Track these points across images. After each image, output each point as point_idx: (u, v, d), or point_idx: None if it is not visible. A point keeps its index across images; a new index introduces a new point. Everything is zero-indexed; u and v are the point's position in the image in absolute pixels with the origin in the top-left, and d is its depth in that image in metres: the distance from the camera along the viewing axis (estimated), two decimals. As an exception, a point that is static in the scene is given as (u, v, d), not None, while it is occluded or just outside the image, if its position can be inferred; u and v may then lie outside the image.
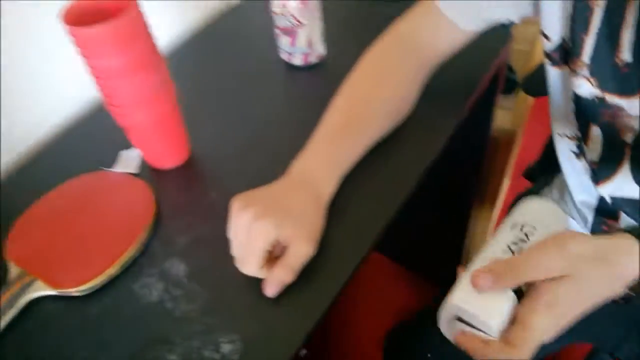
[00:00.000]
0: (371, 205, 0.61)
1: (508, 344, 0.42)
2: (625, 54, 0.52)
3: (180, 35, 0.94)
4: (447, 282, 0.72)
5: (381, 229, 0.59)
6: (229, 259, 0.56)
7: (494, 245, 0.49)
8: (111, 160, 0.69)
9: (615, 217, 0.67)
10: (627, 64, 0.53)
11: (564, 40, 0.59)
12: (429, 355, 0.77)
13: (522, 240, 0.48)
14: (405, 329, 0.83)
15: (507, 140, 1.23)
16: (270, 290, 0.52)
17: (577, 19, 0.55)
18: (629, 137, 0.57)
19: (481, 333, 0.44)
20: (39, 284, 0.56)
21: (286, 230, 0.52)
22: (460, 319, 0.46)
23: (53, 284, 0.56)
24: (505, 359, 0.42)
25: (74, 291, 0.55)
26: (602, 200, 0.65)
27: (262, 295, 0.53)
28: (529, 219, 0.50)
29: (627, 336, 0.68)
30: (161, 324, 0.53)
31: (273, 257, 0.54)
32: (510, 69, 1.22)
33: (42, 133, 0.77)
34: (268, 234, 0.52)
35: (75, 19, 0.53)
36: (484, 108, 0.90)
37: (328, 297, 0.53)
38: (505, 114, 1.21)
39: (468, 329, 0.45)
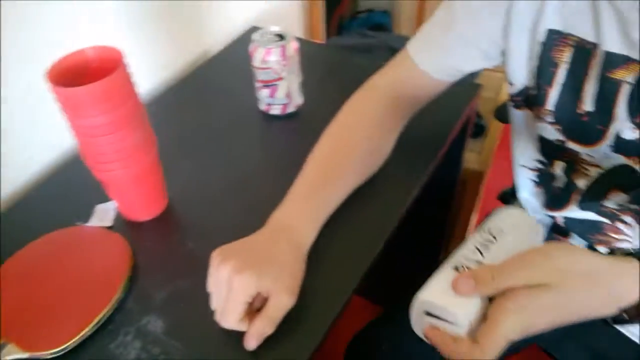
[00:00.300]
0: (350, 252, 0.62)
1: (475, 342, 0.42)
2: (587, 104, 0.57)
3: (160, 83, 0.95)
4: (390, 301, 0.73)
5: (361, 275, 0.59)
6: (208, 312, 0.55)
7: (463, 247, 0.50)
8: (86, 214, 0.68)
9: (567, 235, 0.72)
10: (588, 113, 0.58)
11: (527, 87, 0.63)
12: (383, 347, 0.78)
13: (490, 241, 0.48)
14: (360, 338, 0.84)
15: (475, 179, 1.27)
16: (251, 343, 0.52)
17: (543, 72, 0.59)
18: (582, 183, 0.62)
19: (451, 328, 0.44)
20: (11, 347, 0.54)
21: (267, 283, 0.53)
22: (429, 314, 0.46)
23: (25, 347, 0.54)
24: (470, 357, 0.42)
25: (47, 354, 0.54)
26: (555, 222, 0.70)
27: (242, 349, 0.52)
28: (499, 223, 0.51)
29: (566, 336, 0.71)
30: (139, 384, 0.51)
31: (252, 309, 0.54)
32: (478, 115, 1.27)
33: (14, 186, 0.76)
34: (249, 287, 0.52)
35: (61, 75, 0.54)
36: (455, 151, 0.93)
37: (309, 348, 0.53)
38: (474, 156, 1.25)
39: (439, 323, 0.45)
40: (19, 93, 0.72)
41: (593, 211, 0.64)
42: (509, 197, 0.97)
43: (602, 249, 0.66)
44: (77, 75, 0.57)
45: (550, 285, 0.41)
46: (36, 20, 0.71)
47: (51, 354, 0.53)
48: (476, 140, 1.29)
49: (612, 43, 0.53)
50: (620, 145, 0.57)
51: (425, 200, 0.83)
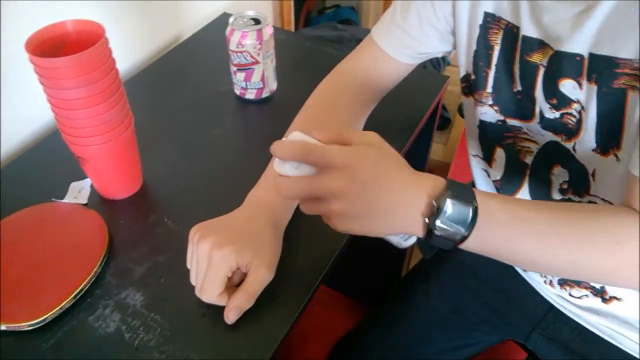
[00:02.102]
0: (324, 232, 0.63)
1: None
2: (518, 85, 0.61)
3: (132, 66, 0.94)
4: (378, 302, 0.76)
5: (335, 253, 0.61)
6: (187, 287, 0.56)
7: None
8: (61, 191, 0.68)
9: None
10: (519, 92, 0.61)
11: (467, 74, 0.66)
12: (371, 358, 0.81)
13: None
14: (345, 343, 0.87)
15: (440, 170, 1.31)
16: (231, 316, 0.53)
17: (481, 56, 0.63)
18: (528, 159, 0.65)
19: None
20: (-14, 318, 0.53)
21: (246, 258, 0.54)
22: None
23: (2, 318, 0.53)
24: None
25: (25, 325, 0.53)
26: None
27: (221, 322, 0.54)
28: None
29: (535, 327, 0.76)
30: (119, 355, 0.52)
31: (231, 284, 0.55)
32: (444, 107, 1.32)
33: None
34: (229, 261, 0.53)
35: (39, 47, 0.53)
36: (422, 142, 0.96)
37: (287, 322, 0.55)
38: (439, 147, 1.30)
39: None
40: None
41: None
42: None
43: None
44: (56, 47, 0.56)
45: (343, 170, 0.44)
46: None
47: (29, 325, 0.53)
48: (442, 133, 1.33)
49: (528, 27, 0.57)
50: (546, 124, 0.60)
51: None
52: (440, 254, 0.87)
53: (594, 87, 0.53)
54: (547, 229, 0.46)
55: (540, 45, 0.56)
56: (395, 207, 0.45)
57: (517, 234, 0.46)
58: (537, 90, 0.59)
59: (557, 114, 0.58)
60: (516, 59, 0.59)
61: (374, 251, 1.28)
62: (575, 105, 0.56)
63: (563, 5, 0.53)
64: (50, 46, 0.56)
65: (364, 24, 2.00)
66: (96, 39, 0.54)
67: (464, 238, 0.45)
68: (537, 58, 0.57)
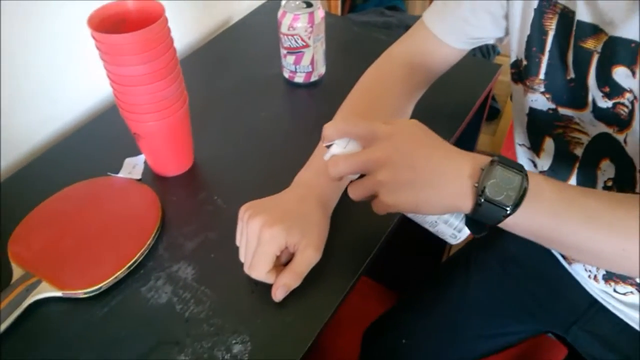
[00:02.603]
0: (370, 217, 0.63)
1: None
2: (571, 72, 0.59)
3: (184, 47, 0.96)
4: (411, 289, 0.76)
5: (381, 238, 0.61)
6: (237, 263, 0.57)
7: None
8: (116, 166, 0.70)
9: None
10: (572, 79, 0.59)
11: (518, 59, 0.64)
12: (404, 341, 0.81)
13: None
14: (378, 325, 0.87)
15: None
16: (279, 294, 0.54)
17: (535, 41, 0.61)
18: (578, 151, 0.63)
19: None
20: (44, 285, 0.56)
21: (295, 237, 0.54)
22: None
23: (59, 285, 0.56)
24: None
25: (81, 293, 0.56)
26: None
27: (269, 299, 0.55)
28: None
29: (576, 321, 0.75)
30: (170, 326, 0.54)
31: (279, 263, 0.56)
32: (493, 98, 1.29)
33: (46, 134, 0.77)
34: (278, 240, 0.54)
35: (101, 23, 0.55)
36: (470, 132, 0.94)
37: (333, 302, 0.55)
38: (487, 138, 1.27)
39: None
40: (53, 39, 0.73)
41: None
42: None
43: None
44: (117, 25, 0.58)
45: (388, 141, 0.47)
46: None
47: (84, 293, 0.55)
48: (490, 123, 1.31)
49: (583, 12, 0.55)
50: (598, 113, 0.58)
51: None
52: (484, 241, 0.85)
53: None
54: (598, 212, 0.44)
55: (594, 30, 0.54)
56: (443, 172, 0.45)
57: (565, 213, 0.44)
58: (590, 77, 0.57)
59: (609, 103, 0.56)
60: (570, 45, 0.57)
61: (412, 240, 1.27)
62: (627, 95, 0.54)
63: None
64: (111, 23, 0.57)
65: (410, 11, 1.97)
66: (156, 17, 0.55)
67: (514, 209, 0.43)
68: (591, 44, 0.55)
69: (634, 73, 0.52)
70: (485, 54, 1.26)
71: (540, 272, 0.78)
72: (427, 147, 0.46)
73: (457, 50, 0.70)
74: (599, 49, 0.55)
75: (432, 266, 1.28)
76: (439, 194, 0.46)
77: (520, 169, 0.44)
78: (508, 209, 0.43)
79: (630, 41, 0.51)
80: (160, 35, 0.55)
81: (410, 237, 1.24)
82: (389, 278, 1.42)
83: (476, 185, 0.44)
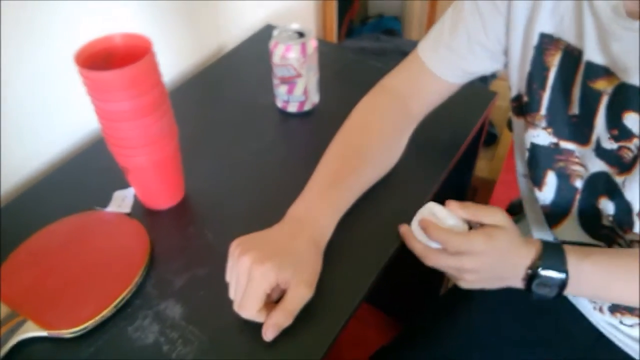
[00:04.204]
0: (365, 252, 0.62)
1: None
2: (575, 108, 0.58)
3: (175, 77, 0.96)
4: (412, 318, 0.75)
5: (375, 274, 0.60)
6: (226, 301, 0.56)
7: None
8: (105, 199, 0.69)
9: None
10: (576, 115, 0.59)
11: (520, 94, 0.64)
12: None
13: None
14: (378, 357, 0.85)
15: (485, 187, 1.28)
16: (269, 333, 0.53)
17: (535, 77, 0.60)
18: (578, 184, 0.62)
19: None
20: (30, 324, 0.55)
21: (286, 274, 0.53)
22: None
23: (44, 325, 0.54)
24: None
25: (66, 333, 0.54)
26: (556, 240, 0.70)
27: (259, 339, 0.53)
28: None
29: (582, 357, 0.72)
30: (157, 368, 0.52)
31: (269, 301, 0.55)
32: (490, 123, 1.28)
33: (32, 169, 0.76)
34: (269, 278, 0.52)
35: (88, 59, 0.54)
36: (468, 158, 0.94)
37: (326, 341, 0.54)
38: (485, 164, 1.26)
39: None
40: (42, 76, 0.73)
41: (590, 232, 0.64)
42: (516, 208, 0.98)
43: None
44: (104, 60, 0.57)
45: (478, 255, 0.57)
46: (63, 4, 0.71)
47: (70, 333, 0.54)
48: (488, 149, 1.30)
49: (593, 53, 0.54)
50: (601, 153, 0.58)
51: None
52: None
53: None
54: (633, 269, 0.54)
55: (605, 72, 0.54)
56: (508, 276, 0.59)
57: (607, 285, 0.57)
58: (597, 117, 0.56)
59: (614, 146, 0.56)
60: (576, 82, 0.57)
61: (413, 267, 1.25)
62: (635, 140, 0.53)
63: (634, 36, 0.50)
64: (99, 58, 0.57)
65: (407, 34, 1.98)
66: (143, 52, 0.55)
67: (556, 297, 0.57)
68: (601, 85, 0.55)
69: None
70: (482, 78, 1.26)
71: (543, 304, 0.76)
72: (506, 258, 0.58)
73: (453, 84, 0.69)
74: (609, 90, 0.54)
75: (432, 294, 1.26)
76: (501, 284, 0.60)
77: (560, 268, 0.56)
78: (552, 296, 0.57)
79: None
80: (147, 71, 0.55)
81: (409, 265, 1.23)
82: (389, 305, 1.40)
83: (524, 287, 0.58)
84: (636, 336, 0.66)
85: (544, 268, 0.56)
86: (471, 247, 0.56)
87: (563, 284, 0.56)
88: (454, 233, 0.58)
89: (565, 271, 0.55)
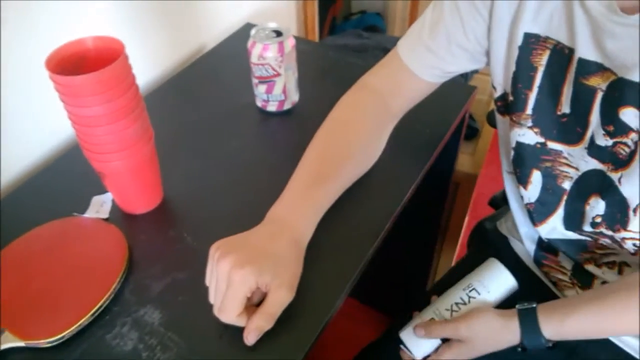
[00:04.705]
0: (346, 249, 0.62)
1: None
2: (565, 107, 0.58)
3: (155, 78, 0.95)
4: (402, 313, 0.76)
5: (356, 272, 0.60)
6: (206, 305, 0.55)
7: (444, 300, 0.69)
8: (83, 205, 0.68)
9: (555, 253, 0.72)
10: (566, 114, 0.58)
11: (505, 93, 0.64)
12: None
13: (463, 303, 0.67)
14: (367, 353, 0.85)
15: (467, 181, 1.28)
16: (251, 338, 0.52)
17: (521, 77, 0.60)
18: (566, 185, 0.62)
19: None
20: (7, 335, 0.54)
21: (266, 278, 0.53)
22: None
23: (21, 335, 0.54)
24: None
25: (44, 342, 0.53)
26: (541, 236, 0.70)
27: (239, 343, 0.53)
28: (487, 283, 0.68)
29: (567, 358, 0.72)
30: (136, 375, 0.51)
31: (250, 304, 0.54)
32: (471, 117, 1.29)
33: (8, 177, 0.75)
34: (249, 282, 0.52)
35: (59, 64, 0.53)
36: (449, 152, 0.94)
37: (306, 343, 0.53)
38: (467, 158, 1.27)
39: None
40: (15, 82, 0.71)
41: (574, 231, 0.65)
42: (499, 201, 0.99)
43: (591, 267, 0.67)
44: (76, 64, 0.57)
45: (466, 342, 0.64)
46: (37, 8, 0.70)
47: (47, 342, 0.53)
48: (469, 143, 1.31)
49: (586, 50, 0.54)
50: (594, 150, 0.58)
51: (419, 201, 0.84)
52: (470, 267, 0.84)
53: None
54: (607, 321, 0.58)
55: (599, 68, 0.54)
56: (491, 349, 0.64)
57: (596, 332, 0.61)
58: (592, 114, 0.56)
59: (609, 142, 0.56)
60: (567, 80, 0.57)
61: (398, 262, 1.26)
62: (632, 135, 0.53)
63: (630, 32, 0.50)
64: (71, 63, 0.56)
65: (390, 30, 1.98)
66: (116, 55, 0.54)
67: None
68: (594, 82, 0.55)
69: None
70: (463, 74, 1.27)
71: (529, 297, 0.77)
72: (488, 340, 0.64)
73: (432, 83, 0.69)
74: (603, 87, 0.54)
75: (419, 288, 1.26)
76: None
77: (541, 341, 0.60)
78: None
79: None
80: (120, 74, 0.54)
81: (394, 260, 1.23)
82: (377, 300, 1.40)
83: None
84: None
85: (527, 344, 0.61)
86: (458, 332, 0.64)
87: (552, 346, 0.61)
88: (440, 325, 0.66)
89: (548, 341, 0.60)
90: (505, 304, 0.66)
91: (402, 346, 0.69)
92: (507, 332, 0.62)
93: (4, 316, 0.55)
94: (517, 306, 0.63)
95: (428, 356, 0.68)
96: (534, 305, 0.61)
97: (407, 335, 0.69)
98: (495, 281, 0.67)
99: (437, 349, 0.67)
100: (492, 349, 0.64)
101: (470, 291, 0.67)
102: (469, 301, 0.67)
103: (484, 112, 1.28)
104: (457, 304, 0.67)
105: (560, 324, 0.59)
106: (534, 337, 0.60)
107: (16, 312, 0.56)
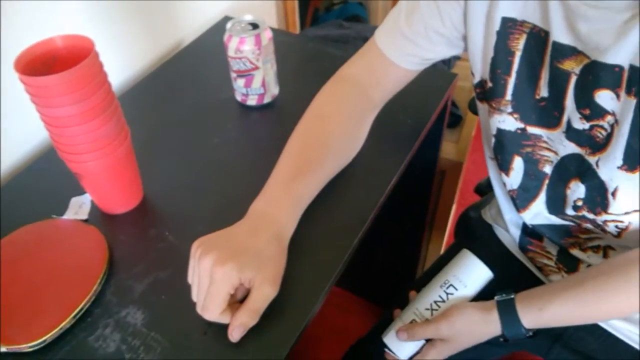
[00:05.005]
0: (329, 241, 0.62)
1: None
2: (543, 91, 0.58)
3: (133, 75, 0.93)
4: (395, 305, 0.76)
5: (340, 264, 0.60)
6: (189, 304, 0.55)
7: (423, 299, 0.69)
8: (61, 207, 0.67)
9: (540, 239, 0.72)
10: (544, 98, 0.58)
11: (483, 80, 0.63)
12: None
13: (442, 301, 0.67)
14: (359, 346, 0.85)
15: (453, 169, 1.28)
16: (235, 334, 0.52)
17: (500, 63, 0.60)
18: (547, 169, 0.62)
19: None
20: (-13, 341, 0.53)
21: (249, 274, 0.52)
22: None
23: (2, 340, 0.53)
24: None
25: (25, 347, 0.53)
26: (525, 222, 0.70)
27: (223, 340, 0.52)
28: (463, 277, 0.68)
29: (553, 344, 0.74)
30: (120, 377, 0.51)
31: (234, 300, 0.54)
32: (454, 104, 1.28)
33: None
34: (231, 279, 0.52)
35: (29, 65, 0.52)
36: (431, 141, 0.94)
37: (291, 337, 0.53)
38: (451, 146, 1.27)
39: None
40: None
41: (557, 215, 0.65)
42: (484, 188, 0.99)
43: (576, 251, 0.67)
44: (47, 64, 0.55)
45: (449, 340, 0.65)
46: (6, 8, 0.69)
47: (29, 347, 0.53)
48: (453, 130, 1.30)
49: (560, 33, 0.54)
50: (572, 134, 0.58)
51: (404, 190, 0.84)
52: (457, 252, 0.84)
53: (633, 101, 0.50)
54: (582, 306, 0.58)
55: (573, 52, 0.53)
56: (474, 342, 0.66)
57: (577, 318, 0.60)
58: (567, 98, 0.56)
59: (586, 125, 0.56)
60: (545, 63, 0.56)
61: (387, 252, 1.26)
62: (608, 118, 0.53)
63: (604, 14, 0.50)
64: (41, 63, 0.55)
65: (373, 20, 1.97)
66: (86, 53, 0.53)
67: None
68: (568, 65, 0.54)
69: (618, 96, 0.51)
70: (445, 61, 1.26)
71: (515, 282, 0.77)
72: (471, 336, 0.65)
73: (411, 71, 0.69)
74: (577, 70, 0.54)
75: (409, 277, 1.27)
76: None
77: (521, 331, 0.61)
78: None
79: (614, 66, 0.50)
80: (90, 72, 0.53)
81: (383, 250, 1.23)
82: (369, 291, 1.40)
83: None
84: (636, 319, 0.67)
85: (508, 335, 0.62)
86: (439, 332, 0.65)
87: (533, 334, 0.62)
88: (422, 327, 0.66)
89: (528, 330, 0.61)
90: (487, 292, 0.66)
91: (386, 349, 0.70)
92: (487, 324, 0.62)
93: (-17, 322, 0.54)
94: (495, 298, 0.63)
95: (413, 356, 0.68)
96: (512, 297, 0.62)
97: (391, 339, 0.69)
98: (471, 275, 0.67)
99: (421, 348, 0.68)
100: (475, 342, 0.65)
101: (448, 287, 0.67)
102: (447, 298, 0.67)
103: (467, 100, 1.28)
104: (436, 302, 0.67)
105: (539, 313, 0.59)
106: (513, 328, 0.61)
107: (-4, 317, 0.55)
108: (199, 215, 0.66)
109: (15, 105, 0.74)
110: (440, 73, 0.90)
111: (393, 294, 0.86)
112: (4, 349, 0.53)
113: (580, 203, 0.60)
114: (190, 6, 1.02)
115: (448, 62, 1.29)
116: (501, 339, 0.63)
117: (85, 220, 0.66)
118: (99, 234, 0.62)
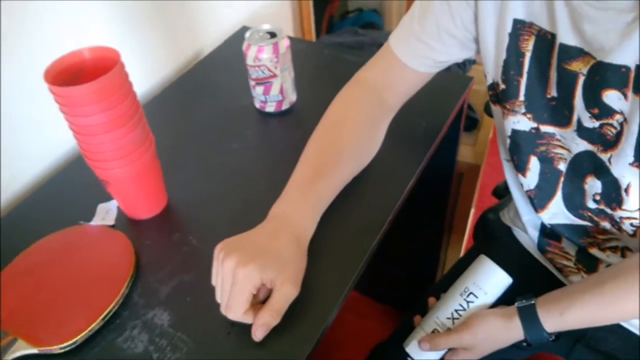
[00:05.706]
0: (348, 245, 0.63)
1: None
2: (553, 90, 0.59)
3: (154, 85, 0.96)
4: (415, 310, 0.76)
5: (359, 266, 0.61)
6: (213, 305, 0.56)
7: (444, 308, 0.69)
8: (89, 213, 0.69)
9: (558, 239, 0.72)
10: (554, 98, 0.59)
11: (495, 82, 0.64)
12: None
13: (463, 309, 0.68)
14: (379, 350, 0.85)
15: (471, 172, 1.28)
16: (258, 334, 0.53)
17: (512, 64, 0.61)
18: (562, 166, 0.63)
19: None
20: (20, 343, 0.55)
21: (271, 274, 0.54)
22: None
23: (34, 342, 0.55)
24: None
25: (56, 348, 0.54)
26: (543, 222, 0.70)
27: (247, 340, 0.54)
28: (482, 285, 0.68)
29: (575, 344, 0.74)
30: (148, 376, 0.52)
31: (256, 301, 0.55)
32: (470, 107, 1.29)
33: (15, 189, 0.76)
34: (253, 279, 0.53)
35: (58, 76, 0.55)
36: (448, 145, 0.94)
37: (313, 337, 0.54)
38: (468, 149, 1.27)
39: None
40: (19, 93, 0.73)
41: (576, 210, 0.65)
42: (502, 191, 0.99)
43: (594, 251, 0.67)
44: (74, 75, 0.58)
45: (472, 349, 0.66)
46: (34, 21, 0.72)
47: (60, 348, 0.54)
48: (470, 134, 1.31)
49: (566, 35, 0.54)
50: (583, 132, 0.58)
51: (422, 194, 0.85)
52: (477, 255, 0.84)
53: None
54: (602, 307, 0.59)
55: (580, 53, 0.54)
56: (497, 349, 0.66)
57: (597, 320, 0.60)
58: (576, 98, 0.57)
59: (596, 124, 0.56)
60: (552, 65, 0.57)
61: (406, 256, 1.26)
62: (617, 116, 0.54)
63: (608, 15, 0.50)
64: (69, 74, 0.57)
65: (388, 26, 1.98)
66: (112, 64, 0.55)
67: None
68: (576, 66, 0.55)
69: (625, 96, 0.52)
70: (460, 64, 1.26)
71: (537, 288, 0.77)
72: (493, 344, 0.66)
73: (425, 74, 0.70)
74: (584, 71, 0.55)
75: (428, 282, 1.27)
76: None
77: (543, 335, 0.61)
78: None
79: (620, 66, 0.51)
80: (116, 82, 0.55)
81: (401, 255, 1.23)
82: (390, 296, 1.40)
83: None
84: None
85: (531, 340, 0.62)
86: (461, 342, 0.66)
87: (556, 337, 0.62)
88: (445, 337, 0.67)
89: (550, 334, 0.61)
90: (507, 295, 0.67)
91: (408, 358, 0.70)
92: (509, 331, 0.63)
93: (16, 325, 0.56)
94: (516, 304, 0.63)
95: None
96: (533, 302, 0.62)
97: (413, 349, 0.70)
98: (490, 281, 0.68)
99: (444, 356, 0.68)
100: (497, 348, 0.65)
101: (468, 295, 0.68)
102: (468, 306, 0.67)
103: (483, 103, 1.28)
104: (457, 310, 0.68)
105: (561, 317, 0.60)
106: (536, 333, 0.61)
107: (28, 320, 0.57)
108: (221, 219, 0.68)
109: (45, 115, 0.76)
110: (456, 77, 0.91)
111: (412, 299, 0.86)
112: (35, 351, 0.54)
113: (598, 197, 0.60)
114: (210, 17, 1.05)
115: (463, 66, 1.29)
116: (524, 344, 0.63)
117: (112, 226, 0.68)
118: (126, 238, 0.64)
